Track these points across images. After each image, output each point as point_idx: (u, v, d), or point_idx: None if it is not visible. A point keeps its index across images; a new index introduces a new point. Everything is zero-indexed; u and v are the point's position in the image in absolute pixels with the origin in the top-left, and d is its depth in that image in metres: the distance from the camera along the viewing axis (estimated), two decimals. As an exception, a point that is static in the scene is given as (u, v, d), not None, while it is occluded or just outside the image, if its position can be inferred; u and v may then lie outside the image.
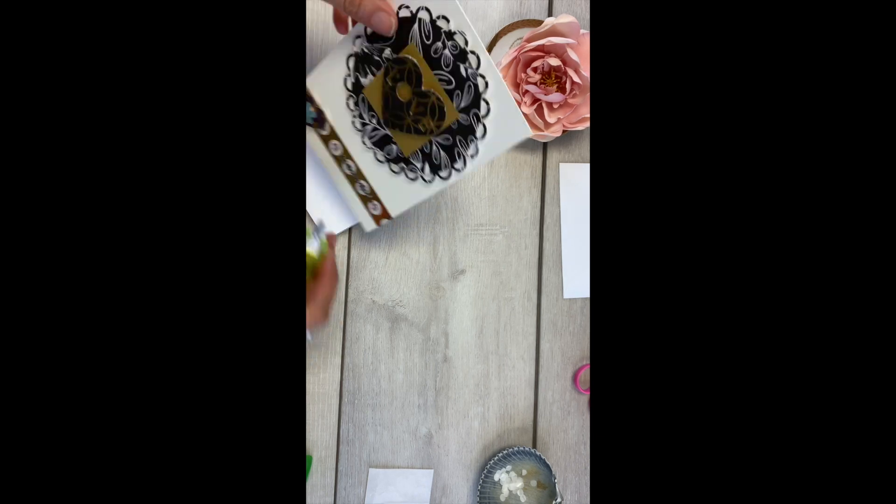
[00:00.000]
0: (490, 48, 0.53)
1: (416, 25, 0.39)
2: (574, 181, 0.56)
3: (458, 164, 0.43)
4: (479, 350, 0.56)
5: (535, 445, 0.56)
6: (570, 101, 0.50)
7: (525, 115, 0.51)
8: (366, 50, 0.43)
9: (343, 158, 0.49)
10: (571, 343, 0.57)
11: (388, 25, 0.39)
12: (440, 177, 0.45)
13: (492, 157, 0.42)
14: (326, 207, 0.54)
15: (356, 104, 0.46)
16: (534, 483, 0.55)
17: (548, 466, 0.53)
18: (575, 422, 0.57)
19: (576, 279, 0.56)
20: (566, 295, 0.56)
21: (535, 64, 0.49)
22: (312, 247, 0.47)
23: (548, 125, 0.51)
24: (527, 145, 0.56)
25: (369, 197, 0.49)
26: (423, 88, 0.42)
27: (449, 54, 0.39)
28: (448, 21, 0.38)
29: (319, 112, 0.48)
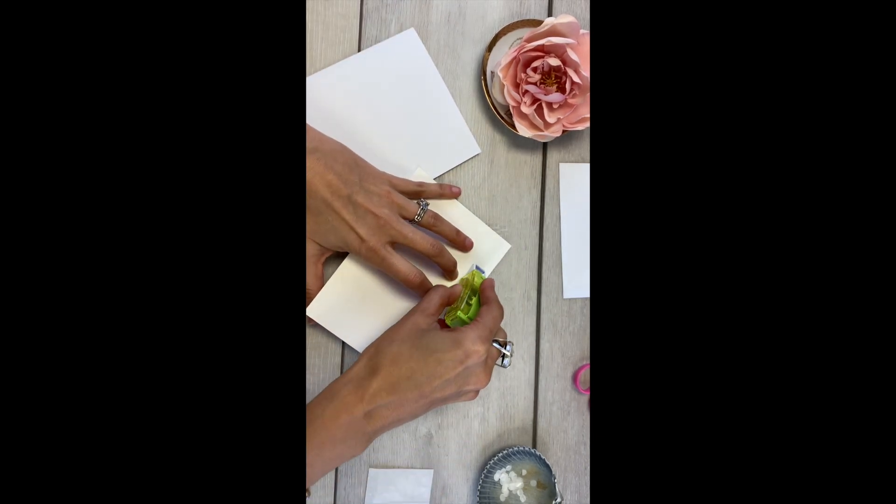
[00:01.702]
0: (490, 48, 0.53)
1: None
2: (574, 181, 0.56)
3: None
4: (479, 350, 0.55)
5: (535, 445, 0.56)
6: (569, 101, 0.50)
7: (525, 115, 0.51)
8: None
9: None
10: (571, 343, 0.57)
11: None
12: None
13: None
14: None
15: None
16: (534, 483, 0.55)
17: (548, 466, 0.53)
18: (575, 422, 0.57)
19: (576, 279, 0.56)
20: (566, 295, 0.56)
21: (535, 64, 0.49)
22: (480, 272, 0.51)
23: (548, 125, 0.51)
24: (527, 145, 0.56)
25: None
26: None
27: None
28: None
29: None
